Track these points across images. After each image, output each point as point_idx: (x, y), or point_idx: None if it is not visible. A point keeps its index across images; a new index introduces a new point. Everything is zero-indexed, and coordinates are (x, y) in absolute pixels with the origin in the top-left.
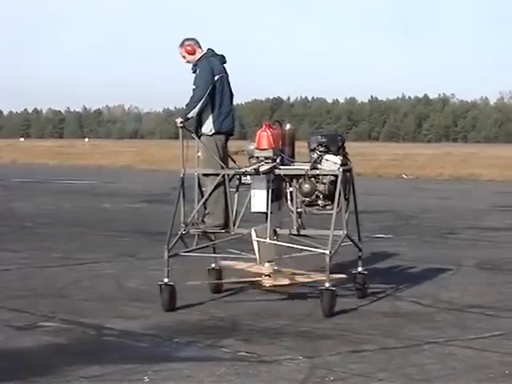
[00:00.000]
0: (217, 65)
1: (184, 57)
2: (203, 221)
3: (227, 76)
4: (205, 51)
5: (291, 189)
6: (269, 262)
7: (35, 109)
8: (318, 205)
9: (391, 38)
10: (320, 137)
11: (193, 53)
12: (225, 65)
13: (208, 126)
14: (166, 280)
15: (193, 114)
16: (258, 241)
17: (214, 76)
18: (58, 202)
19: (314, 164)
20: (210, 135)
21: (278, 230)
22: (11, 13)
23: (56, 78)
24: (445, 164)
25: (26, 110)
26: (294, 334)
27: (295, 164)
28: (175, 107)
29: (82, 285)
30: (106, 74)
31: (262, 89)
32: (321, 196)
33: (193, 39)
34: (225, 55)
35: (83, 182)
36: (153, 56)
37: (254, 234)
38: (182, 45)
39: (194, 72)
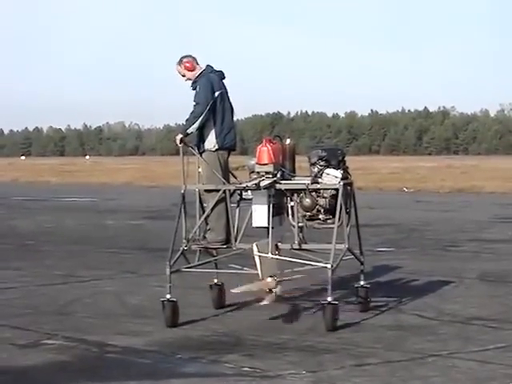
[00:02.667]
0: (216, 81)
1: (184, 75)
2: (205, 237)
3: (227, 91)
4: (203, 68)
5: (292, 203)
6: (271, 276)
7: (36, 127)
8: (319, 219)
9: (390, 51)
10: (320, 151)
11: (192, 69)
12: (224, 80)
13: (211, 142)
14: (168, 296)
15: (192, 129)
16: (259, 256)
17: (214, 92)
18: (60, 220)
19: (315, 178)
20: (213, 151)
21: (279, 244)
22: (10, 31)
23: (56, 96)
24: (446, 176)
25: (26, 128)
26: (297, 348)
27: (296, 178)
28: (176, 123)
29: (84, 302)
30: (105, 92)
31: (262, 104)
32: (322, 210)
33: (190, 56)
34: (223, 71)
35: (85, 199)
36: (153, 73)
37: (255, 249)
38: (180, 62)
39: (194, 89)
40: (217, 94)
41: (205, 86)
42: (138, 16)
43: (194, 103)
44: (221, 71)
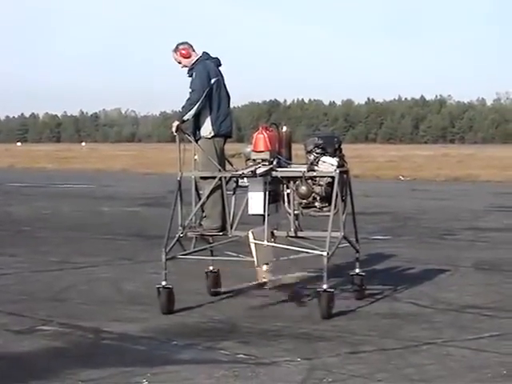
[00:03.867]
0: (212, 68)
1: (180, 62)
2: (200, 224)
3: (223, 79)
4: (200, 55)
5: (288, 191)
6: (266, 264)
7: (32, 113)
8: (315, 206)
9: (387, 39)
10: (316, 138)
11: (188, 56)
12: (220, 68)
13: (207, 129)
14: (163, 283)
15: (189, 116)
16: (255, 243)
17: (211, 79)
18: (56, 206)
19: (311, 166)
20: (209, 138)
21: (275, 231)
22: (8, 18)
23: (53, 82)
24: (442, 165)
25: (22, 114)
26: (292, 335)
27: (292, 166)
28: (172, 110)
29: (79, 288)
30: (102, 78)
31: (259, 91)
32: (318, 198)
33: (186, 43)
34: (220, 58)
35: (81, 185)
36: (149, 60)
37: (251, 236)
38: (176, 50)
39: (190, 76)
40: (213, 80)
41: (201, 72)
42: (136, 3)
43: (190, 90)
44: (217, 58)
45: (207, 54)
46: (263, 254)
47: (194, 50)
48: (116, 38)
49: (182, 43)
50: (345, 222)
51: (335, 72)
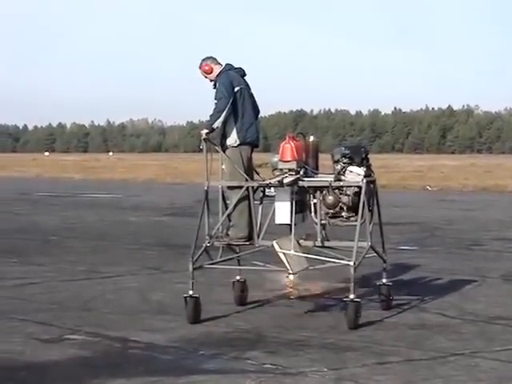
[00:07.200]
0: (236, 77)
1: (205, 77)
2: (227, 233)
3: (248, 88)
4: (223, 66)
5: (315, 200)
6: (302, 271)
7: (60, 123)
8: (342, 216)
9: (414, 49)
10: (343, 148)
11: (210, 72)
12: (245, 77)
13: (233, 138)
14: (190, 292)
15: (218, 123)
16: (283, 252)
17: (234, 88)
18: (83, 216)
19: (338, 175)
20: (235, 146)
21: (301, 241)
22: (34, 27)
23: (80, 92)
24: (469, 175)
25: (50, 124)
26: (319, 345)
27: (319, 176)
28: (199, 120)
29: (107, 298)
30: (129, 88)
31: (286, 101)
32: (345, 207)
33: (209, 58)
34: (243, 68)
35: (108, 195)
36: (176, 70)
37: (276, 246)
38: (200, 66)
39: (215, 87)
40: (236, 89)
41: (223, 82)
42: (162, 13)
43: (216, 101)
44: (240, 68)
45: (230, 64)
46: (296, 261)
47: (217, 63)
48: (143, 48)
49: (205, 59)
50: (371, 232)
51: (362, 82)
